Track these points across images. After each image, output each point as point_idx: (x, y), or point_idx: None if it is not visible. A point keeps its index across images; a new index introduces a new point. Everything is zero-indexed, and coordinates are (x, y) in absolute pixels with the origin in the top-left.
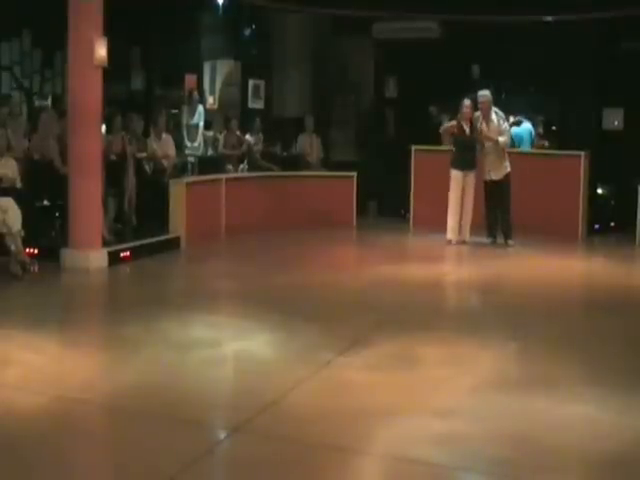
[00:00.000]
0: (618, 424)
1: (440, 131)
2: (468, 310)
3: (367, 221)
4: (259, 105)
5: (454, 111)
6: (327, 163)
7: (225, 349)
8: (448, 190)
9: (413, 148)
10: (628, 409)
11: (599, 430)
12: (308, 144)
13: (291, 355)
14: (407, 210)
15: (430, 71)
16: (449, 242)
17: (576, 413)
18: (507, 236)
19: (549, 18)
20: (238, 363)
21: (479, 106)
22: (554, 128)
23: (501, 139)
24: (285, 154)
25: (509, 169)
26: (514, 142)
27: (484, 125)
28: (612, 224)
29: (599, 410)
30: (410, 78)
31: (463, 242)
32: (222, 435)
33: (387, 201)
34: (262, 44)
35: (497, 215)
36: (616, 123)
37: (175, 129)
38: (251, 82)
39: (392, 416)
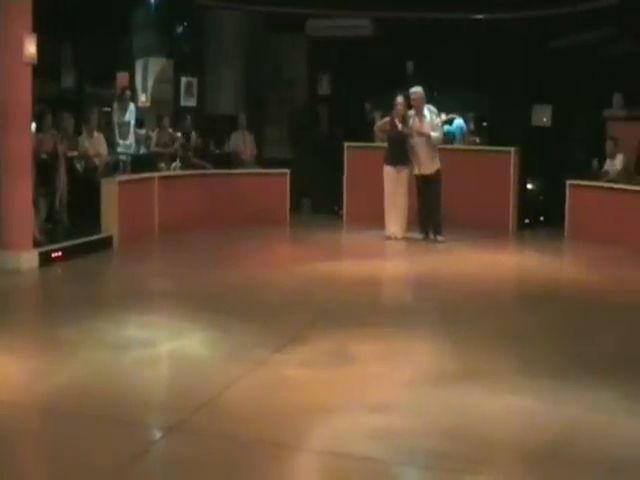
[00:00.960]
0: (552, 415)
1: (374, 129)
2: (403, 305)
3: (301, 218)
4: (192, 103)
5: (388, 108)
6: (261, 160)
7: (160, 349)
8: (381, 186)
9: (346, 145)
10: (562, 399)
11: (534, 421)
12: (241, 142)
13: (226, 353)
14: (340, 207)
15: (363, 68)
16: (388, 238)
17: (512, 405)
18: (437, 231)
19: (480, 16)
20: (173, 362)
21: (412, 103)
22: (485, 124)
23: (433, 134)
24: (218, 152)
25: (439, 165)
26: (447, 137)
27: (417, 121)
28: (541, 218)
29: (534, 401)
30: (343, 75)
31: (396, 238)
32: (158, 435)
33: (321, 198)
34: (195, 41)
35: (429, 211)
36: (545, 120)
37: (107, 127)
38: (184, 80)
39: (329, 412)
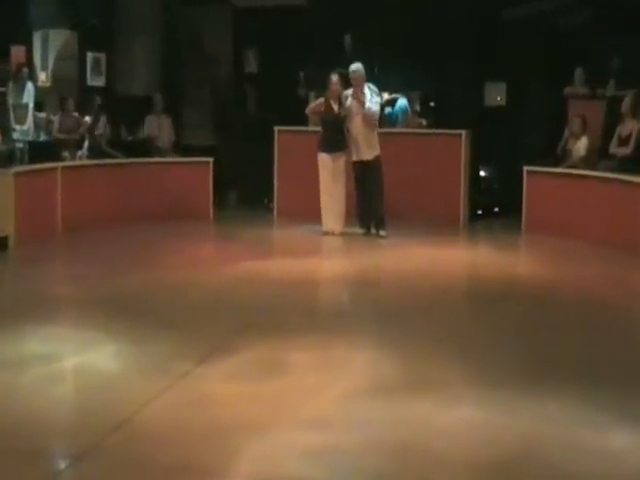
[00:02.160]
0: (507, 427)
1: (307, 112)
2: (343, 309)
3: (227, 212)
4: (100, 82)
5: (323, 87)
6: (180, 148)
7: (66, 364)
8: (316, 176)
9: (277, 129)
10: (518, 409)
11: (488, 434)
12: (157, 126)
13: (143, 367)
14: (271, 199)
15: (296, 43)
16: (326, 233)
17: (461, 417)
18: (379, 225)
19: None
20: (82, 379)
21: (352, 82)
22: (432, 105)
23: (368, 105)
24: (131, 138)
25: (379, 151)
26: (389, 120)
27: (355, 102)
28: (496, 209)
29: (487, 412)
30: (273, 51)
31: (334, 234)
32: (64, 464)
33: (249, 189)
34: (104, 11)
35: (370, 202)
36: (499, 99)
37: (0, 110)
38: (90, 55)
39: (260, 430)
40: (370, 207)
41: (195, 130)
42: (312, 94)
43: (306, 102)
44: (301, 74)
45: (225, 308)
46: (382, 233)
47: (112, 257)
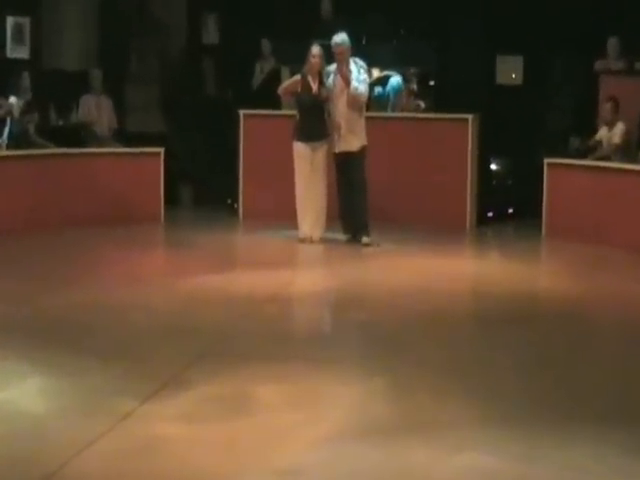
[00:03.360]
0: (521, 476)
1: (279, 91)
2: (321, 332)
3: (181, 214)
4: (23, 54)
5: (297, 61)
6: (122, 135)
7: None
8: (291, 170)
9: (242, 113)
10: (534, 455)
11: None
12: (95, 109)
13: (77, 406)
14: (235, 198)
15: (264, 7)
16: (302, 240)
17: (468, 465)
18: (360, 230)
19: None
20: (2, 421)
21: (335, 56)
22: (432, 84)
23: (354, 84)
24: (62, 123)
25: (365, 140)
26: (379, 101)
27: (339, 79)
28: (510, 210)
29: (498, 459)
30: (237, 17)
31: (312, 241)
32: None
33: (208, 186)
34: None
35: (352, 202)
36: (514, 76)
37: None
38: (11, 20)
39: None
40: (352, 208)
41: (141, 114)
42: (285, 70)
43: (277, 80)
44: (264, 42)
45: (177, 333)
46: (364, 240)
47: (37, 270)
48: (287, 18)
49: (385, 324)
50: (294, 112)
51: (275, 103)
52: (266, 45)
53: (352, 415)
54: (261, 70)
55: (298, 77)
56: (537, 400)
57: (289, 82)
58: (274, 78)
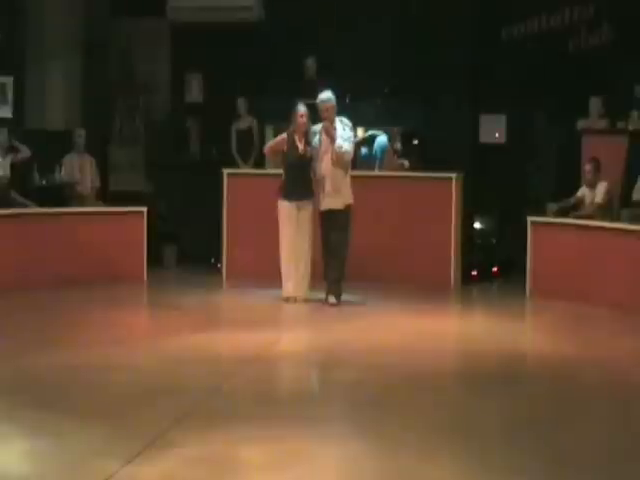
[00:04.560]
0: None
1: (264, 150)
2: (305, 393)
3: (164, 274)
4: (5, 113)
5: (282, 121)
6: (106, 194)
7: None
8: (276, 229)
9: (225, 172)
10: None
11: None
12: (78, 168)
13: (58, 468)
14: (219, 257)
15: (248, 67)
16: (287, 300)
17: None
18: (331, 289)
19: None
20: None
21: (321, 114)
22: (416, 142)
23: (339, 142)
24: (45, 183)
25: (352, 200)
26: (366, 161)
27: (325, 139)
28: (495, 269)
29: None
30: (221, 76)
31: (296, 300)
32: None
33: (191, 246)
34: (11, 24)
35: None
36: (497, 135)
37: None
38: None
39: None
40: (329, 266)
41: (125, 173)
42: (270, 130)
43: (261, 140)
44: (240, 102)
45: (160, 393)
46: (331, 300)
47: (19, 330)
48: (271, 77)
49: (370, 384)
50: (278, 171)
51: (252, 163)
52: (242, 104)
53: (337, 477)
54: (236, 130)
55: (284, 136)
56: (523, 463)
57: (275, 141)
58: (247, 138)
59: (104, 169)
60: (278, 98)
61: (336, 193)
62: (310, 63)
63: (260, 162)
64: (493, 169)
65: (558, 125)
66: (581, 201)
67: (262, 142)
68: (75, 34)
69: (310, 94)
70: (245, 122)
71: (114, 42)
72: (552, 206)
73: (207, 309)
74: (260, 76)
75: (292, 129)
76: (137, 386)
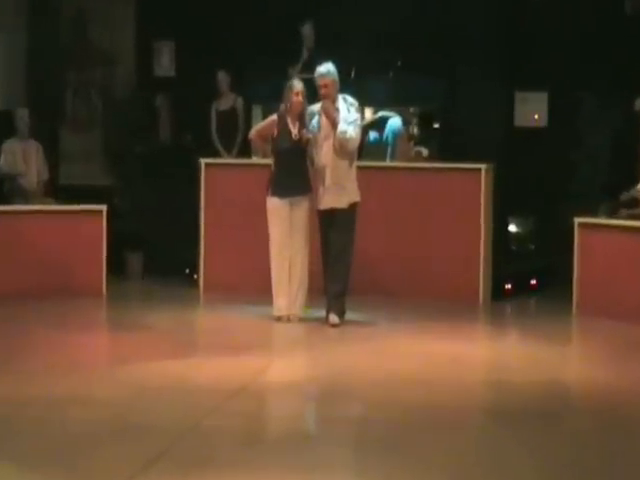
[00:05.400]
0: None
1: (250, 136)
2: (301, 433)
3: (128, 286)
4: None
5: (273, 101)
6: (56, 189)
7: None
8: (264, 231)
9: (203, 162)
10: None
11: None
12: (21, 157)
13: None
14: (195, 266)
15: (230, 33)
16: (278, 319)
17: None
18: (332, 305)
19: None
20: None
21: (320, 91)
22: (437, 127)
23: (342, 126)
24: None
25: (358, 197)
26: (374, 146)
27: (324, 120)
28: (533, 281)
29: None
30: (196, 45)
31: (289, 319)
32: None
33: (161, 252)
34: None
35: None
36: (536, 117)
37: None
38: None
39: None
40: (328, 277)
41: (79, 163)
42: (258, 110)
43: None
44: (221, 76)
45: (123, 432)
46: (332, 319)
47: None
48: (259, 46)
49: (379, 422)
50: (268, 161)
51: (236, 151)
52: (223, 79)
53: None
54: (216, 111)
55: (274, 118)
56: None
57: (263, 124)
58: (229, 121)
59: (54, 159)
60: (268, 72)
61: (339, 188)
62: (307, 30)
63: (246, 150)
64: (531, 159)
65: (611, 105)
66: (635, 199)
67: (248, 126)
68: None
69: (306, 67)
70: (227, 101)
71: (66, 2)
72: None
73: (181, 330)
74: (245, 44)
75: (284, 109)
76: (96, 424)
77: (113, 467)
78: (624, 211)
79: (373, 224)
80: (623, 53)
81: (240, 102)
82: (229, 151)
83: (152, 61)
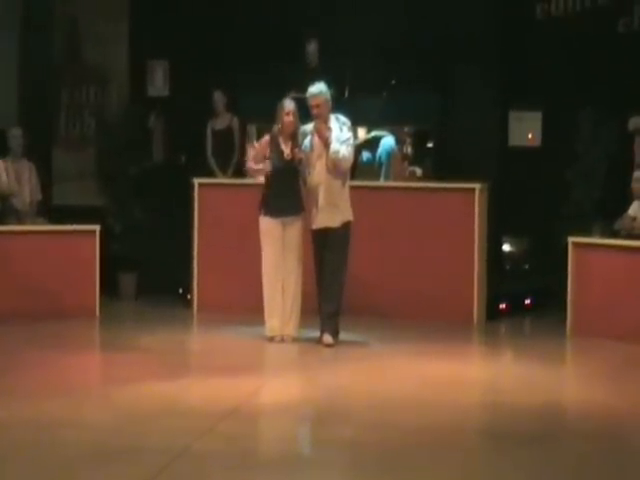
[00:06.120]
0: None
1: (247, 167)
2: (290, 456)
3: (121, 307)
4: None
5: (269, 120)
6: (49, 209)
7: None
8: (257, 251)
9: (196, 182)
10: None
11: None
12: (14, 177)
13: None
14: (188, 287)
15: (226, 51)
16: (271, 339)
17: None
18: (326, 325)
19: None
20: None
21: (313, 111)
22: (430, 146)
23: (335, 146)
24: None
25: (351, 216)
26: (368, 166)
27: (316, 140)
28: (527, 301)
29: None
30: (190, 64)
31: (282, 340)
32: None
33: (154, 272)
34: None
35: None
36: (530, 136)
37: None
38: None
39: None
40: (322, 297)
41: (72, 183)
42: (252, 131)
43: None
44: (217, 96)
45: (114, 455)
46: (327, 340)
47: None
48: (253, 65)
49: (374, 445)
50: (259, 181)
51: (231, 171)
52: (219, 99)
53: None
54: (212, 130)
55: (267, 139)
56: None
57: (256, 150)
58: (225, 141)
59: (47, 178)
60: (265, 91)
61: (332, 208)
62: (311, 49)
63: (241, 171)
64: (525, 178)
65: (605, 124)
66: (633, 219)
67: (243, 145)
68: (10, 8)
69: (305, 85)
70: (223, 121)
71: (59, 18)
72: (597, 226)
73: (174, 350)
74: (243, 62)
75: (276, 130)
76: (87, 446)
77: None
78: (623, 233)
79: (367, 244)
80: (617, 72)
81: (236, 122)
82: (224, 171)
83: (145, 80)
